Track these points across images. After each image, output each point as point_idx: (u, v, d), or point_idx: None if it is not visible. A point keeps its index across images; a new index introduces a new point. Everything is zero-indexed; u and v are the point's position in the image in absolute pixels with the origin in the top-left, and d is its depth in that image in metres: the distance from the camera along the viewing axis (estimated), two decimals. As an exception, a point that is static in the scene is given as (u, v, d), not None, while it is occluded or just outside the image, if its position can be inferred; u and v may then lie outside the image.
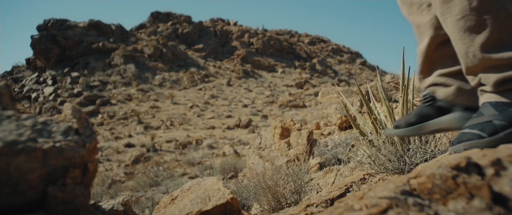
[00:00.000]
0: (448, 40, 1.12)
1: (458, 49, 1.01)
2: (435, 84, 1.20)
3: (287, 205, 1.67)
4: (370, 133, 1.63)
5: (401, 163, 1.50)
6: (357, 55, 40.11)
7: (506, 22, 0.93)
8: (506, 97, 0.94)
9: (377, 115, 1.66)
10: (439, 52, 1.18)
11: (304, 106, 16.93)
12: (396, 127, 1.27)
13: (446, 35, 1.10)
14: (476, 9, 0.94)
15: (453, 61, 1.15)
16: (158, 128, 13.83)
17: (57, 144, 0.66)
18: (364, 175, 1.57)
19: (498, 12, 0.94)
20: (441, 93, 1.17)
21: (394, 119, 1.58)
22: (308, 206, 1.25)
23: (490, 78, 0.94)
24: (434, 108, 1.20)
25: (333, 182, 1.90)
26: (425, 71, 1.24)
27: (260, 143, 3.23)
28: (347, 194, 1.37)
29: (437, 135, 1.76)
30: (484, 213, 0.47)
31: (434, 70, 1.22)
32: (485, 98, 0.97)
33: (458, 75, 1.14)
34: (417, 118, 1.23)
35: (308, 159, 2.63)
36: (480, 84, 0.98)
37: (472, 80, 1.00)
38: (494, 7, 0.94)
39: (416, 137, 1.55)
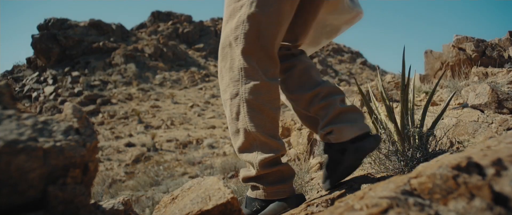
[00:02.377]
0: (311, 99, 1.41)
1: None
2: (324, 136, 1.40)
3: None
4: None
5: (402, 162, 1.50)
6: (358, 55, 40.08)
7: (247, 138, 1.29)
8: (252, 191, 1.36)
9: (377, 114, 1.66)
10: (309, 114, 1.45)
11: (304, 106, 16.92)
12: (323, 182, 1.50)
13: (305, 100, 1.42)
14: (231, 123, 1.34)
15: (325, 113, 1.37)
16: (158, 127, 13.83)
17: (58, 144, 0.66)
18: (364, 174, 1.57)
19: (245, 130, 1.30)
20: (332, 139, 1.36)
21: (394, 118, 1.57)
22: (308, 205, 1.25)
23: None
24: (334, 153, 1.39)
25: (334, 182, 1.89)
26: (313, 131, 1.52)
27: (260, 143, 3.24)
28: (348, 193, 1.37)
29: (438, 135, 1.76)
30: (485, 213, 0.47)
31: (317, 127, 1.45)
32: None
33: (334, 119, 1.35)
34: (329, 171, 1.44)
35: (309, 159, 2.63)
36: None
37: None
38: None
39: (416, 137, 1.55)
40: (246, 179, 1.34)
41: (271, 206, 1.29)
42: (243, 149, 1.32)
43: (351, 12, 1.60)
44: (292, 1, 1.29)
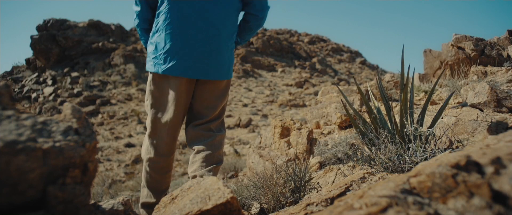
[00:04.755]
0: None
1: None
2: None
3: (287, 204, 1.67)
4: (370, 132, 1.63)
5: (401, 161, 1.50)
6: (357, 54, 40.11)
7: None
8: None
9: (376, 113, 1.66)
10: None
11: (304, 105, 16.92)
12: None
13: None
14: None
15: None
16: (158, 127, 13.78)
17: (57, 144, 0.66)
18: (364, 173, 1.57)
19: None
20: None
21: (394, 117, 1.58)
22: (308, 205, 1.25)
23: None
24: None
25: (333, 181, 1.90)
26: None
27: (260, 142, 3.24)
28: (347, 193, 1.37)
29: (437, 134, 1.76)
30: (484, 211, 0.47)
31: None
32: None
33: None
34: None
35: (308, 158, 2.63)
36: None
37: None
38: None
39: (416, 136, 1.55)
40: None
41: None
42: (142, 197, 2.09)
43: None
44: (179, 100, 1.92)
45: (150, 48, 1.95)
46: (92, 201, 0.90)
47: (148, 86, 2.00)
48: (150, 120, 1.99)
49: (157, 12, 1.92)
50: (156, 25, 1.91)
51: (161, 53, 1.87)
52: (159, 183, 2.03)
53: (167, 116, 1.93)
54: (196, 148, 2.01)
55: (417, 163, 1.45)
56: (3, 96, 0.72)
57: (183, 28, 1.86)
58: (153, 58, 1.92)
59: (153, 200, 2.01)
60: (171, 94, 1.90)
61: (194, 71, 1.88)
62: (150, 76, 1.99)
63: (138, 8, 1.96)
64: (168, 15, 1.85)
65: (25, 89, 19.98)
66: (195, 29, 1.87)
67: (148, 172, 2.01)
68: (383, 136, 1.55)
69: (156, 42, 1.90)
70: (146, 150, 2.03)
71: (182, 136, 8.89)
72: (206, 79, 1.97)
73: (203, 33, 1.89)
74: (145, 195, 2.05)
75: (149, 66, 1.95)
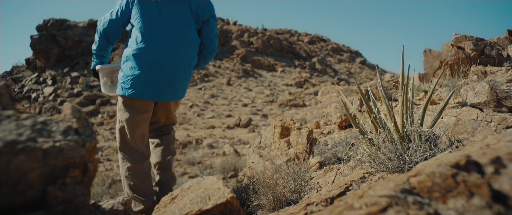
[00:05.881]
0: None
1: None
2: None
3: (287, 204, 1.67)
4: (370, 132, 1.63)
5: (401, 161, 1.50)
6: (357, 54, 40.11)
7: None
8: None
9: (376, 113, 1.66)
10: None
11: (304, 105, 16.92)
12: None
13: None
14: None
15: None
16: (158, 127, 13.76)
17: (57, 144, 0.66)
18: (364, 173, 1.57)
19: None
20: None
21: (394, 117, 1.58)
22: (308, 205, 1.25)
23: None
24: None
25: (333, 181, 1.90)
26: None
27: (260, 142, 3.23)
28: (347, 192, 1.37)
29: (437, 132, 1.75)
30: (484, 211, 0.47)
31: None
32: None
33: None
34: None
35: (308, 158, 2.63)
36: None
37: None
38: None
39: (416, 136, 1.55)
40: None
41: None
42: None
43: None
44: (142, 118, 2.32)
45: (120, 74, 2.31)
46: (92, 201, 0.90)
47: (118, 106, 2.36)
48: (119, 135, 2.35)
49: (128, 43, 2.32)
50: (126, 55, 2.29)
51: (128, 79, 2.25)
52: (141, 189, 2.32)
53: (134, 129, 2.31)
54: (155, 141, 2.51)
55: (417, 163, 1.45)
56: (3, 96, 0.72)
57: (149, 60, 2.25)
58: (121, 83, 2.28)
59: (141, 206, 2.30)
60: (136, 113, 2.30)
61: (154, 96, 2.31)
62: (119, 98, 2.36)
63: (97, 39, 2.38)
64: (138, 46, 2.24)
65: (25, 89, 19.98)
66: (159, 63, 2.27)
67: (129, 180, 2.31)
68: (383, 136, 1.56)
69: (125, 70, 2.28)
70: (122, 163, 2.36)
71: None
72: (164, 101, 2.44)
73: (166, 65, 2.30)
74: (133, 205, 2.33)
75: (118, 90, 2.30)
